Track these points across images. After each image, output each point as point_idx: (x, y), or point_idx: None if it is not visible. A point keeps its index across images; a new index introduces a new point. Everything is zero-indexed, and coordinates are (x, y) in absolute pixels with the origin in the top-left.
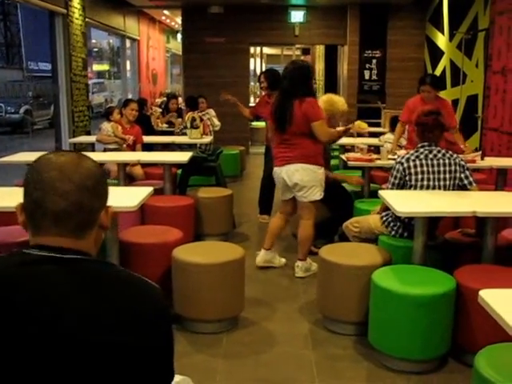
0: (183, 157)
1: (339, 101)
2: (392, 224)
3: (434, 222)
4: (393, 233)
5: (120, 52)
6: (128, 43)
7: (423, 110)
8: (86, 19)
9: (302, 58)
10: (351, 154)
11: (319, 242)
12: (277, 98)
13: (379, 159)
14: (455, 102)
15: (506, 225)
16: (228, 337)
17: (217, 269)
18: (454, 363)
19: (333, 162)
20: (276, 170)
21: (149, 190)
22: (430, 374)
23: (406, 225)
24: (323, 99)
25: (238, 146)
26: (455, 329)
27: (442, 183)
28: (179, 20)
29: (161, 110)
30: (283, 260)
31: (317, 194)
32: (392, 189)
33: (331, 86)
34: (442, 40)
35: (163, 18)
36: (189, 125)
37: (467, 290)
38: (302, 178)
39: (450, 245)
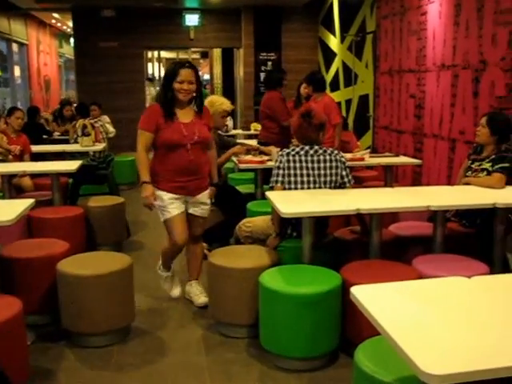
0: (71, 166)
1: (218, 100)
2: (281, 224)
3: (322, 221)
4: (282, 233)
5: (7, 57)
6: (15, 48)
7: (298, 112)
8: None
9: (201, 61)
10: (242, 157)
11: (214, 246)
12: None
13: (270, 160)
14: (348, 102)
15: (396, 219)
16: (119, 349)
17: (102, 280)
18: (345, 358)
19: (228, 164)
20: None
21: (29, 202)
22: (321, 370)
23: (294, 225)
24: (206, 101)
25: (133, 153)
26: (344, 324)
27: (322, 179)
28: (71, 24)
29: (51, 116)
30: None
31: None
32: (277, 182)
33: (229, 89)
34: (334, 42)
35: (53, 21)
36: (80, 132)
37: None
38: None
39: (338, 243)
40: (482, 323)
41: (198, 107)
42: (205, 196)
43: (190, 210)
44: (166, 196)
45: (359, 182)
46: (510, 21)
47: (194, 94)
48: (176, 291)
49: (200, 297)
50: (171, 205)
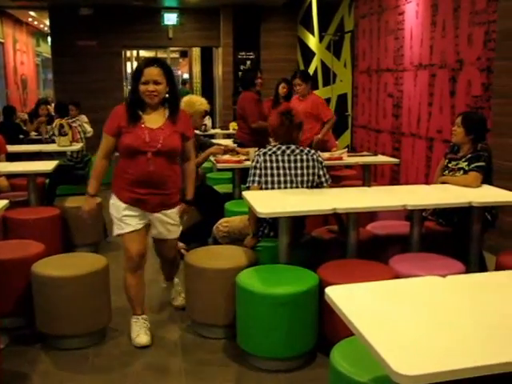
0: (47, 166)
1: (197, 100)
2: (258, 224)
3: (299, 221)
4: (260, 233)
5: None
6: None
7: (277, 112)
8: None
9: (181, 60)
10: (220, 157)
11: (192, 246)
12: None
13: (248, 160)
14: (327, 101)
15: (374, 218)
16: (95, 351)
17: (77, 281)
18: (323, 357)
19: (206, 164)
20: None
21: (3, 203)
22: (299, 370)
23: (271, 225)
24: (183, 101)
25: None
26: (321, 324)
27: (299, 179)
28: (48, 22)
29: (26, 117)
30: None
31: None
32: (254, 182)
33: (208, 88)
34: (312, 41)
35: (30, 19)
36: (57, 132)
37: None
38: None
39: (316, 242)
40: (455, 323)
41: (171, 111)
42: (172, 215)
43: (154, 232)
44: (121, 206)
45: (337, 181)
46: (485, 21)
47: (167, 96)
48: (141, 339)
49: (177, 299)
50: (126, 219)
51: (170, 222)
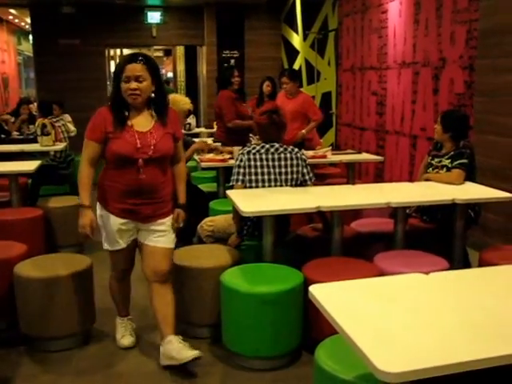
0: (30, 166)
1: (181, 100)
2: (243, 223)
3: (283, 219)
4: (244, 232)
5: None
6: None
7: (260, 110)
8: None
9: (165, 59)
10: (204, 156)
11: (177, 246)
12: None
13: (232, 159)
14: None
15: (358, 216)
16: (79, 352)
17: (61, 282)
18: (308, 356)
19: (190, 163)
20: None
21: None
22: (284, 368)
23: (255, 224)
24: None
25: None
26: (307, 322)
27: (283, 177)
28: (29, 20)
29: (9, 117)
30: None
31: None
32: (238, 181)
33: (192, 87)
34: (296, 40)
35: (11, 17)
36: (39, 131)
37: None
38: None
39: (300, 240)
40: (438, 320)
41: (158, 112)
42: (166, 223)
43: (146, 240)
44: (112, 220)
45: (322, 179)
46: (467, 20)
47: (152, 95)
48: (126, 340)
49: (187, 350)
50: (117, 234)
51: (164, 230)
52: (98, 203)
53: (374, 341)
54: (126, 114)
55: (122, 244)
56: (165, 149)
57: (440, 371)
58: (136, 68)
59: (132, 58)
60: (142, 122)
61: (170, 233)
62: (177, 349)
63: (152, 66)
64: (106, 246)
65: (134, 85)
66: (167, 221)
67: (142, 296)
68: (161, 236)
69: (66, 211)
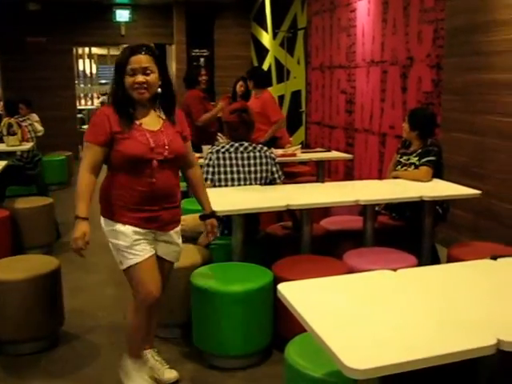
0: None
1: None
2: None
3: (253, 218)
4: None
5: None
6: None
7: (229, 109)
8: None
9: None
10: None
11: None
12: None
13: (202, 158)
14: (281, 98)
15: (328, 214)
16: (47, 355)
17: (27, 284)
18: (279, 354)
19: None
20: None
21: None
22: (255, 367)
23: (225, 222)
24: None
25: (64, 152)
26: (277, 321)
27: (252, 176)
28: None
29: None
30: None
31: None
32: (206, 180)
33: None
34: (266, 38)
35: None
36: (5, 131)
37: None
38: None
39: (270, 239)
40: (405, 316)
41: (167, 109)
42: (178, 233)
43: (159, 252)
44: (127, 231)
45: (292, 178)
46: (434, 19)
47: (159, 90)
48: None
49: (164, 370)
50: (138, 245)
51: (175, 242)
52: (102, 219)
53: (342, 338)
54: (132, 111)
55: (146, 253)
56: (179, 149)
57: (406, 367)
58: (142, 59)
59: (136, 49)
60: (151, 120)
61: (180, 245)
62: (156, 366)
63: (159, 58)
64: (126, 263)
65: (140, 78)
66: (178, 230)
67: (108, 295)
68: (172, 250)
69: (33, 212)
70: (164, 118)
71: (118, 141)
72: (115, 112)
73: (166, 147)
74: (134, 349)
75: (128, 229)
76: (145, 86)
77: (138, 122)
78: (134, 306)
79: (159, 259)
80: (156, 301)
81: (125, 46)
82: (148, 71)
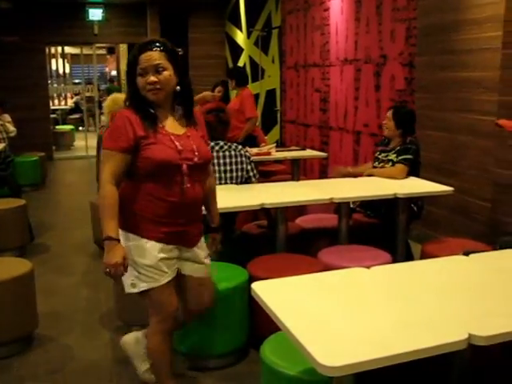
0: None
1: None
2: None
3: (228, 217)
4: None
5: None
6: None
7: (205, 108)
8: None
9: (108, 57)
10: None
11: None
12: None
13: None
14: (256, 97)
15: (304, 212)
16: (20, 359)
17: None
18: (255, 353)
19: None
20: None
21: None
22: (232, 366)
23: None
24: (109, 98)
25: (37, 152)
26: (253, 319)
27: (228, 175)
28: None
29: None
30: None
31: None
32: None
33: None
34: (240, 37)
35: None
36: None
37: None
38: None
39: (245, 238)
40: (378, 313)
41: (187, 111)
42: (203, 246)
43: (185, 271)
44: (153, 248)
45: (267, 177)
46: (406, 18)
47: (178, 89)
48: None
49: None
50: (163, 265)
51: (199, 261)
52: (123, 232)
53: (316, 336)
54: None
55: (170, 273)
56: (207, 154)
57: (380, 363)
58: (153, 56)
59: (146, 46)
60: (172, 123)
61: (208, 258)
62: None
63: (172, 54)
64: (143, 286)
65: (152, 77)
66: (203, 243)
67: (85, 296)
68: (203, 266)
69: (6, 214)
70: (185, 120)
71: (143, 147)
72: (136, 114)
73: (196, 153)
74: (162, 375)
75: (153, 246)
76: (158, 86)
77: (161, 125)
78: (154, 329)
79: (189, 278)
80: (175, 321)
81: (98, 44)
82: (160, 68)
